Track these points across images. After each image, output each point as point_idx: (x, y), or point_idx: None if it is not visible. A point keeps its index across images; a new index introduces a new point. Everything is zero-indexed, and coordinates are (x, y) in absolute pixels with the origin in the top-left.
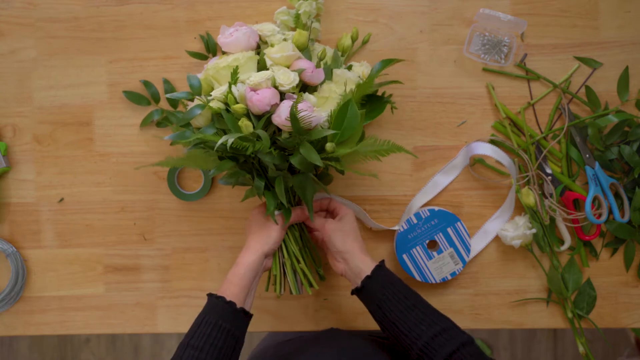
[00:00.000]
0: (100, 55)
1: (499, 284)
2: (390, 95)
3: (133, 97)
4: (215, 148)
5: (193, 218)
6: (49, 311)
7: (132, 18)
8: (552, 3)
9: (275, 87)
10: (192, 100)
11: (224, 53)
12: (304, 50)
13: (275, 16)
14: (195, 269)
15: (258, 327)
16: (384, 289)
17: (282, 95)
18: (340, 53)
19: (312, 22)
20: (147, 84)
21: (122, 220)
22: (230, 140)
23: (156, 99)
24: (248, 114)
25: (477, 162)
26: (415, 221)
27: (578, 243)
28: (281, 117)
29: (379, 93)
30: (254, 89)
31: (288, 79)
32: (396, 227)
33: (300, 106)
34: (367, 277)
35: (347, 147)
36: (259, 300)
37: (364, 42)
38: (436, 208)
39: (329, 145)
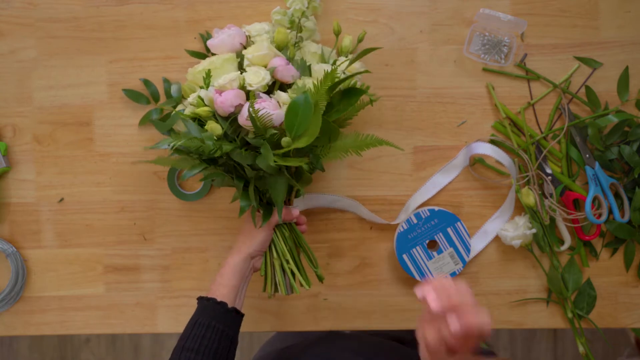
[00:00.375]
0: (100, 55)
1: (499, 284)
2: (368, 87)
3: (133, 95)
4: (172, 150)
5: (193, 218)
6: (49, 311)
7: (132, 18)
8: (552, 3)
9: (243, 88)
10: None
11: None
12: (284, 48)
13: (272, 16)
14: (195, 269)
15: (258, 327)
16: None
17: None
18: (337, 52)
19: (302, 20)
20: (146, 82)
21: (122, 220)
22: (176, 144)
23: (156, 98)
24: (220, 117)
25: (477, 162)
26: (415, 221)
27: (578, 243)
28: (243, 117)
29: (368, 91)
30: (219, 91)
31: (257, 79)
32: (395, 222)
33: (261, 104)
34: None
35: (305, 140)
36: (260, 300)
37: (359, 41)
38: (436, 208)
39: (284, 141)
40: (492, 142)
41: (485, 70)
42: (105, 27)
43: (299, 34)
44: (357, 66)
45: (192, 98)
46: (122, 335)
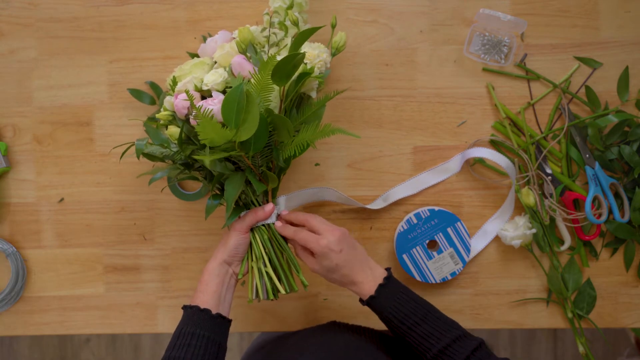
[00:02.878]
0: (100, 55)
1: (499, 284)
2: (312, 69)
3: (137, 94)
4: (139, 156)
5: (193, 218)
6: (49, 311)
7: (132, 18)
8: (552, 3)
9: (201, 89)
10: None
11: None
12: (249, 46)
13: (263, 17)
14: (195, 268)
15: (259, 327)
16: (389, 308)
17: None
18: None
19: (286, 19)
20: (153, 85)
21: (122, 220)
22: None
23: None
24: (181, 121)
25: (477, 162)
26: (415, 221)
27: (578, 243)
28: (192, 117)
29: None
30: (176, 95)
31: (213, 78)
32: (369, 206)
33: (207, 102)
34: (372, 297)
35: (246, 132)
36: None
37: (333, 26)
38: (436, 208)
39: (213, 131)
40: (492, 142)
41: (485, 70)
42: (105, 27)
43: (273, 32)
44: (317, 52)
45: (163, 104)
46: (122, 335)
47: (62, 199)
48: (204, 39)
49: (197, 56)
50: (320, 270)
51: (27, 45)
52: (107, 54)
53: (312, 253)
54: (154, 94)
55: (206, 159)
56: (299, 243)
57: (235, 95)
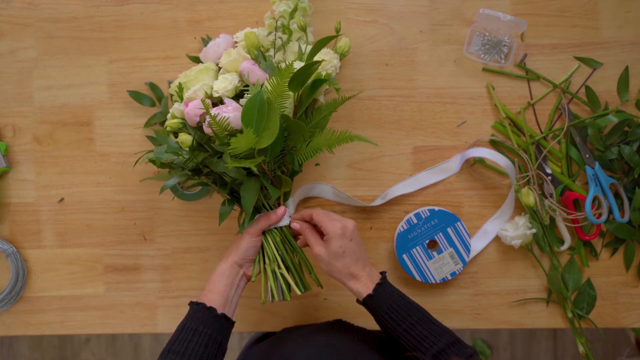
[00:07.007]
0: (100, 55)
1: (499, 284)
2: (329, 75)
3: (137, 97)
4: (159, 165)
5: (193, 218)
6: (49, 311)
7: (132, 18)
8: (552, 3)
9: (211, 96)
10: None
11: None
12: (258, 51)
13: (264, 20)
14: (195, 268)
15: (259, 327)
16: (385, 308)
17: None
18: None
19: (290, 22)
20: (152, 86)
21: (122, 220)
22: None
23: (161, 100)
24: (191, 128)
25: (477, 162)
26: (415, 221)
27: (578, 243)
28: (206, 125)
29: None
30: (187, 103)
31: (223, 85)
32: (372, 204)
33: (221, 110)
34: (369, 295)
35: (267, 139)
36: (260, 300)
37: (337, 31)
38: (436, 208)
39: (233, 141)
40: (492, 142)
41: (485, 70)
42: (105, 27)
43: (279, 36)
44: (328, 58)
45: (171, 111)
46: (122, 335)
47: (62, 199)
48: (204, 42)
49: (198, 59)
50: (325, 254)
51: (27, 45)
52: (107, 54)
53: (321, 237)
54: (153, 95)
55: (243, 164)
56: (314, 222)
57: (255, 102)
